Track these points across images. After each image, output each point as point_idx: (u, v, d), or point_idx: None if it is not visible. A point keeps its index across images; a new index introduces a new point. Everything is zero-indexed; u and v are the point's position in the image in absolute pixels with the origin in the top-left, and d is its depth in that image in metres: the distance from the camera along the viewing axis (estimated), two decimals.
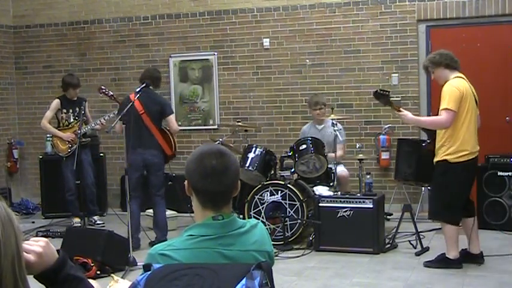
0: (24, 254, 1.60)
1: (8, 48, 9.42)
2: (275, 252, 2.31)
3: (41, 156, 8.59)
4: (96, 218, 7.73)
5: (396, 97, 7.84)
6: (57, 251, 1.74)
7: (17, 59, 9.51)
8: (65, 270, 1.70)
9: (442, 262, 5.47)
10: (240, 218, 2.16)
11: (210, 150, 2.10)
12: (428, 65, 5.50)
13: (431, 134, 5.60)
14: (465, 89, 5.29)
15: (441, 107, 5.26)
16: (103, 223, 7.63)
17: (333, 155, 6.73)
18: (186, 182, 2.11)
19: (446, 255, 5.46)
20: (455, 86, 5.27)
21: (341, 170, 6.94)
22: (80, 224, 7.39)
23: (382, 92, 5.54)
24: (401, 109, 5.57)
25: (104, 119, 7.38)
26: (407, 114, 5.54)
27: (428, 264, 5.53)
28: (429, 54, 5.59)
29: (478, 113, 5.51)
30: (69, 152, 7.50)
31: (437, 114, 5.40)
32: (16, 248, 1.50)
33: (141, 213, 7.16)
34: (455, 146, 5.27)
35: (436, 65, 5.42)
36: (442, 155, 5.33)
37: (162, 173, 6.55)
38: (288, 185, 6.42)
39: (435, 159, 5.45)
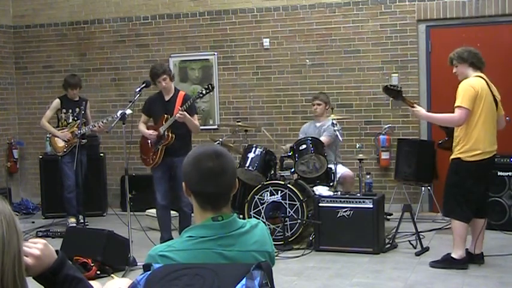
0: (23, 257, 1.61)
1: (8, 48, 9.42)
2: (275, 252, 2.32)
3: (41, 156, 8.58)
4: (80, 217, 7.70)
5: None
6: (56, 251, 1.74)
7: (17, 59, 9.51)
8: (64, 271, 1.71)
9: (447, 262, 5.44)
10: (240, 218, 2.16)
11: (206, 151, 2.08)
12: (454, 58, 5.45)
13: (450, 131, 5.58)
14: (481, 88, 5.27)
15: (455, 105, 5.26)
16: (83, 223, 7.59)
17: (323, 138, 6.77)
18: (184, 184, 2.11)
19: (452, 255, 5.43)
20: (471, 84, 5.27)
21: (345, 170, 6.96)
22: (75, 224, 7.38)
23: (391, 87, 5.53)
24: (415, 105, 5.55)
25: (103, 122, 7.32)
26: (420, 110, 5.54)
27: (433, 265, 5.51)
28: (459, 48, 5.50)
29: (503, 113, 5.50)
30: (65, 151, 7.49)
31: (453, 112, 5.37)
32: (18, 247, 1.52)
33: (141, 213, 7.18)
34: (469, 145, 5.27)
35: (462, 61, 5.40)
36: (457, 153, 5.36)
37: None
38: (288, 185, 6.42)
39: (451, 157, 5.47)
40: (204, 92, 6.15)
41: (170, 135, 6.23)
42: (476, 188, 5.40)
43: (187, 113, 6.10)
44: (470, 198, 5.39)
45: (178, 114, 6.03)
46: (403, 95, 5.59)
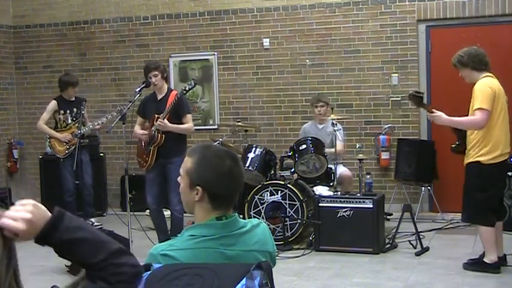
0: (11, 222, 1.45)
1: (8, 48, 9.42)
2: (275, 252, 2.32)
3: (41, 156, 8.59)
4: (93, 220, 7.64)
5: (396, 97, 7.87)
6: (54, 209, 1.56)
7: (17, 59, 9.51)
8: (56, 235, 1.50)
9: (479, 266, 5.33)
10: (240, 218, 2.16)
11: (221, 153, 2.10)
12: (454, 62, 5.36)
13: (461, 135, 5.41)
14: (497, 88, 5.17)
15: (475, 107, 5.11)
16: (101, 225, 7.58)
17: (333, 150, 6.72)
18: (199, 188, 2.06)
19: (484, 260, 5.31)
20: (488, 84, 5.16)
21: (344, 170, 6.96)
22: None
23: (416, 94, 5.30)
24: (434, 110, 5.32)
25: (106, 119, 7.26)
26: (441, 115, 5.29)
27: (466, 267, 5.41)
28: (460, 50, 5.37)
29: None
30: (67, 153, 7.44)
31: (467, 115, 5.27)
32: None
33: (141, 213, 7.18)
34: (489, 147, 5.14)
35: (463, 66, 5.30)
36: (475, 156, 5.19)
37: None
38: (288, 185, 6.42)
39: (466, 161, 5.30)
40: (187, 88, 6.00)
41: (160, 135, 5.98)
42: (497, 191, 5.29)
43: (176, 113, 5.92)
44: (492, 201, 5.28)
45: (158, 123, 5.86)
46: (423, 102, 5.37)
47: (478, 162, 5.19)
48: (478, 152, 5.19)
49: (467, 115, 5.30)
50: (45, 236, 1.50)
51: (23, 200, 1.53)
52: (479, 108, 5.09)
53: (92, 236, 1.55)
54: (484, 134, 5.16)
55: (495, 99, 5.13)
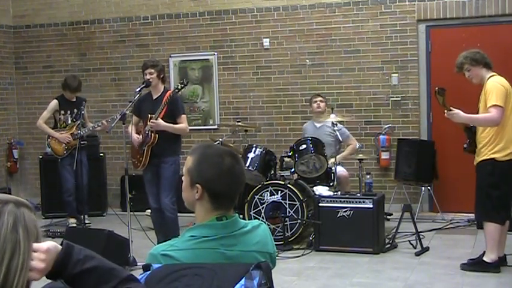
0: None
1: (8, 48, 9.42)
2: (275, 253, 2.30)
3: (41, 156, 8.58)
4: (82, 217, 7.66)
5: (396, 97, 7.87)
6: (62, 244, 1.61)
7: (17, 59, 9.51)
8: (66, 271, 1.56)
9: (479, 265, 5.31)
10: (240, 218, 2.16)
11: (222, 152, 2.09)
12: (466, 62, 5.29)
13: (471, 135, 5.39)
14: (508, 86, 5.20)
15: (489, 104, 5.09)
16: (89, 223, 7.60)
17: (333, 160, 6.68)
18: (199, 186, 2.06)
19: (484, 259, 5.29)
20: (500, 82, 5.18)
21: (341, 170, 6.93)
22: (75, 225, 7.37)
23: (441, 90, 5.17)
24: (452, 108, 5.23)
25: (107, 121, 7.16)
26: (459, 112, 5.21)
27: (464, 267, 5.39)
28: (464, 52, 5.37)
29: None
30: (65, 153, 7.43)
31: (476, 112, 5.26)
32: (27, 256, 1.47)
33: (141, 213, 7.17)
34: (502, 144, 5.14)
35: (476, 63, 5.28)
36: (489, 153, 5.18)
37: None
38: (288, 185, 6.42)
39: (479, 159, 5.27)
40: (179, 87, 5.99)
41: (153, 135, 5.94)
42: (510, 188, 5.29)
43: (171, 113, 5.90)
44: (506, 198, 5.28)
45: (150, 123, 5.84)
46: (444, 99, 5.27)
47: (493, 159, 5.17)
48: (492, 149, 5.17)
49: (474, 113, 5.28)
50: (56, 273, 1.55)
51: (37, 244, 1.54)
52: (494, 105, 5.07)
53: (102, 264, 1.60)
54: (497, 131, 5.15)
55: (507, 97, 5.14)
